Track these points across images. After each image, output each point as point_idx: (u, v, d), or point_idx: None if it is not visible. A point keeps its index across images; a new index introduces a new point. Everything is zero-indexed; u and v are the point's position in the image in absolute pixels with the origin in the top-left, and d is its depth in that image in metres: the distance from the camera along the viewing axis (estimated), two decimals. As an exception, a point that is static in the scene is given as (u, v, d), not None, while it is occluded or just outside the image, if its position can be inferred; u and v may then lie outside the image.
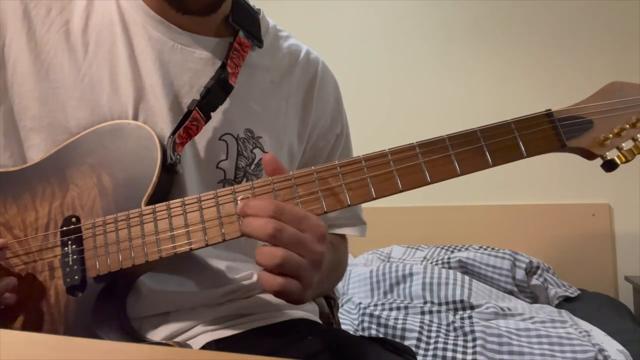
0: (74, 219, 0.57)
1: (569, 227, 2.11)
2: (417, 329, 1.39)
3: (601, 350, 1.26)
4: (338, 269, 0.79)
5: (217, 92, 0.64)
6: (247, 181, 0.67)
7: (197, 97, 0.63)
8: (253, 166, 0.69)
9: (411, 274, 1.74)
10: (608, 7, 2.13)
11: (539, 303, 1.73)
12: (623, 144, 0.55)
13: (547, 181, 2.18)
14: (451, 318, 1.49)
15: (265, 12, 0.77)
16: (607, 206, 2.10)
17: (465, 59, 2.33)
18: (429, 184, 0.53)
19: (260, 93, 0.71)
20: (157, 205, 0.55)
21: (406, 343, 1.33)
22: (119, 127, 0.60)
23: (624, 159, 0.55)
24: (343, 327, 1.28)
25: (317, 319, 0.79)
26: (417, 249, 2.10)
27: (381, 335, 1.41)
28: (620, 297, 2.01)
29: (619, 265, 2.07)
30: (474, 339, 1.33)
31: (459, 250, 1.98)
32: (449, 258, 1.85)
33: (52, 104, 0.61)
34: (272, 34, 0.76)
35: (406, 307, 1.55)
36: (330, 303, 0.87)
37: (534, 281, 1.79)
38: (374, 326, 1.45)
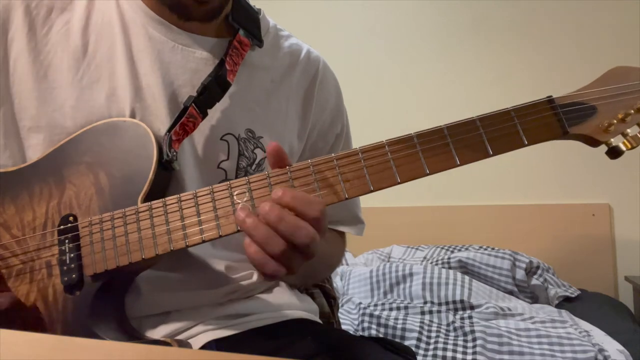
0: (71, 218, 0.57)
1: (569, 227, 2.11)
2: (417, 329, 1.39)
3: (601, 350, 1.26)
4: (328, 260, 0.79)
5: (214, 88, 0.63)
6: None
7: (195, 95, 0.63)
8: (254, 166, 0.68)
9: (411, 274, 1.74)
10: (609, 5, 2.13)
11: (539, 303, 1.73)
12: (628, 130, 0.53)
13: (547, 181, 2.18)
14: (451, 318, 1.49)
15: (265, 12, 0.76)
16: (607, 206, 2.10)
17: (465, 57, 2.33)
18: (428, 174, 0.52)
19: (260, 93, 0.71)
20: (153, 202, 0.54)
21: (406, 343, 1.33)
22: (114, 125, 0.60)
23: (629, 146, 0.53)
24: (343, 327, 1.28)
25: (317, 319, 0.78)
26: (417, 249, 2.10)
27: (381, 335, 1.41)
28: (620, 297, 2.01)
29: (619, 265, 2.07)
30: (474, 339, 1.33)
31: (459, 250, 1.98)
32: (449, 258, 1.85)
33: (50, 104, 0.61)
34: (272, 33, 0.76)
35: (406, 307, 1.54)
36: (331, 303, 0.87)
37: (534, 281, 1.78)
38: (374, 326, 1.45)
